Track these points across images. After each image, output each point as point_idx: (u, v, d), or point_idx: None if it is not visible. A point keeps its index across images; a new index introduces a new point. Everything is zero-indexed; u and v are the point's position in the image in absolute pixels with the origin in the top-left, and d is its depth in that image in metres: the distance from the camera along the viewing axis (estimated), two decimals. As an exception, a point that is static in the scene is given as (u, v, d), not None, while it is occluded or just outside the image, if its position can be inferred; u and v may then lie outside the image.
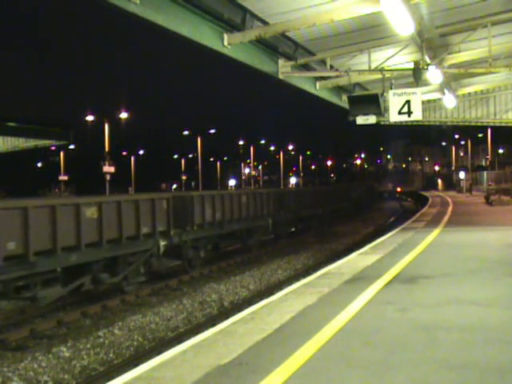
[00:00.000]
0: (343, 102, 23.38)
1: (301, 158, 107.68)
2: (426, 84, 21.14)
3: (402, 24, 12.44)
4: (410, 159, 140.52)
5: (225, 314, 12.73)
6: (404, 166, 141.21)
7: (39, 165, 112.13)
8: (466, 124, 31.74)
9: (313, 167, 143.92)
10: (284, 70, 17.14)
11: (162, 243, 15.64)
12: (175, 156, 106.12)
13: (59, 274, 12.33)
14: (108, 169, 37.74)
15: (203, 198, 18.24)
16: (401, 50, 17.28)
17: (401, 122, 24.18)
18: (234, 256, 21.25)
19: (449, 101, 24.90)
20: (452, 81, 24.38)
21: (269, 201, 23.75)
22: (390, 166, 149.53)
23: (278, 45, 15.76)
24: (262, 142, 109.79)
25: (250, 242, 22.06)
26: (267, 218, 23.31)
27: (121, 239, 13.97)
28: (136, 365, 7.06)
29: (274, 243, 24.74)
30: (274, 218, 23.98)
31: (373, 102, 16.18)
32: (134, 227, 14.56)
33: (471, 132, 77.29)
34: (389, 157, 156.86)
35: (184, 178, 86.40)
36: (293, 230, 29.28)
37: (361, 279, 9.85)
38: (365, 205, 50.71)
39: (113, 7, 9.85)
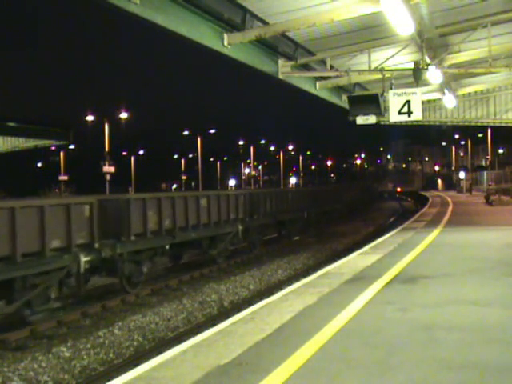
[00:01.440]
0: (343, 102, 23.37)
1: (301, 158, 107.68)
2: (426, 84, 21.14)
3: (402, 24, 12.44)
4: (410, 159, 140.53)
5: (225, 314, 12.72)
6: (404, 166, 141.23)
7: (39, 165, 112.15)
8: (466, 124, 31.75)
9: (313, 167, 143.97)
10: (284, 69, 17.14)
11: (85, 259, 12.55)
12: (175, 156, 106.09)
13: None
14: (108, 169, 37.73)
15: (144, 202, 15.15)
16: (401, 50, 17.28)
17: (401, 122, 24.19)
18: (234, 257, 21.24)
19: (449, 101, 24.90)
20: (452, 81, 24.38)
21: (238, 204, 20.71)
22: (390, 166, 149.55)
23: (278, 45, 15.76)
24: (262, 142, 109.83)
25: (213, 251, 19.06)
26: (236, 223, 20.36)
27: (14, 257, 10.89)
28: (136, 365, 7.06)
29: (248, 252, 21.92)
30: (245, 224, 20.98)
31: (373, 102, 16.18)
32: (37, 241, 11.48)
33: (471, 132, 77.28)
34: (389, 157, 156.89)
35: (184, 177, 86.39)
36: (275, 235, 26.89)
37: (361, 279, 9.84)
38: (360, 207, 48.31)
39: (113, 7, 9.85)
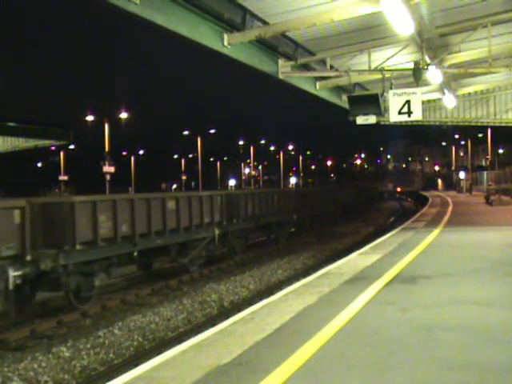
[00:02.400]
0: (343, 102, 23.38)
1: (301, 158, 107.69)
2: (426, 84, 21.14)
3: (402, 24, 12.45)
4: (410, 159, 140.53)
5: (225, 313, 12.72)
6: (404, 166, 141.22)
7: (39, 165, 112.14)
8: (466, 124, 31.75)
9: (313, 167, 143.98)
10: (284, 69, 17.14)
11: (14, 273, 11.09)
12: (175, 156, 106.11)
13: None
14: (108, 169, 37.74)
15: (94, 206, 13.33)
16: (401, 50, 17.29)
17: (401, 122, 24.20)
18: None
19: (449, 101, 24.90)
20: (452, 81, 24.38)
21: (213, 206, 18.79)
22: (390, 166, 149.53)
23: (278, 45, 15.76)
24: (262, 142, 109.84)
25: (184, 259, 17.36)
26: (212, 228, 18.60)
27: None
28: (136, 365, 7.06)
29: (228, 258, 20.35)
30: (222, 228, 19.24)
31: (373, 102, 16.18)
32: None
33: (471, 132, 77.28)
34: (389, 157, 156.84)
35: (184, 177, 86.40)
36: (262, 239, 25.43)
37: (361, 279, 9.84)
38: (357, 208, 45.65)
39: (113, 7, 9.85)
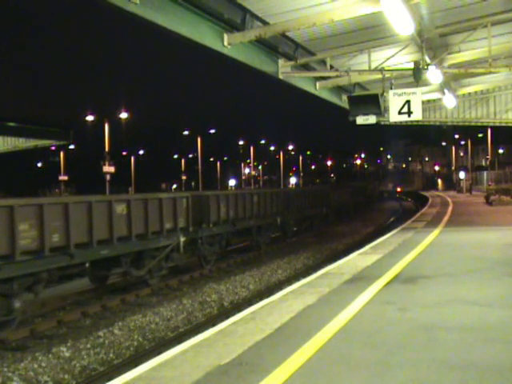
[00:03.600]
0: (343, 102, 23.39)
1: (301, 158, 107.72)
2: (426, 84, 21.15)
3: (402, 24, 12.46)
4: (410, 159, 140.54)
5: (225, 314, 12.73)
6: (404, 166, 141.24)
7: (39, 165, 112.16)
8: (466, 124, 31.76)
9: (313, 167, 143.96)
10: (284, 70, 17.15)
11: None
12: (175, 156, 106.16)
13: None
14: (108, 169, 37.74)
15: (12, 212, 10.98)
16: (401, 50, 17.29)
17: (401, 122, 24.24)
18: (234, 256, 21.24)
19: (449, 101, 24.92)
20: (452, 81, 24.38)
21: (176, 210, 16.35)
22: (390, 166, 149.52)
23: (278, 45, 15.76)
24: (262, 142, 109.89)
25: (140, 271, 15.07)
26: (176, 234, 16.28)
27: None
28: (136, 365, 7.06)
29: (200, 268, 18.21)
30: (189, 235, 17.06)
31: (373, 102, 16.20)
32: None
33: (471, 132, 77.32)
34: (389, 157, 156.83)
35: (184, 177, 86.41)
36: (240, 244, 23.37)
37: (361, 279, 9.85)
38: (352, 210, 42.71)
39: (112, 7, 9.85)
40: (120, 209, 14.14)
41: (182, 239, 16.60)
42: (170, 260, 16.42)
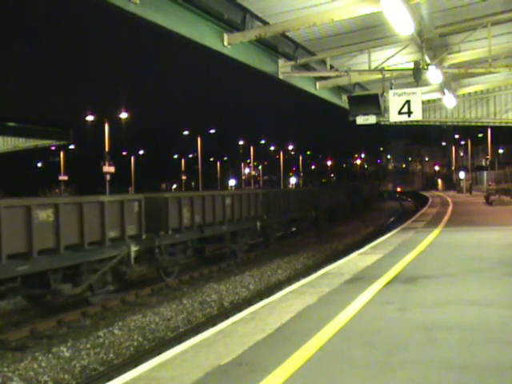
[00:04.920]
0: (343, 102, 23.39)
1: (301, 158, 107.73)
2: (426, 84, 21.15)
3: (402, 24, 12.46)
4: (410, 159, 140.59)
5: (225, 314, 12.73)
6: (404, 166, 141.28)
7: (39, 165, 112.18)
8: (466, 124, 31.77)
9: (313, 167, 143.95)
10: (284, 70, 17.14)
11: None
12: (175, 156, 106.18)
13: None
14: (108, 169, 37.73)
15: None
16: (401, 50, 17.29)
17: (401, 122, 24.23)
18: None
19: (449, 101, 24.91)
20: (452, 81, 24.39)
21: (123, 216, 14.10)
22: (390, 166, 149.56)
23: (278, 45, 15.76)
24: (262, 142, 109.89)
25: (75, 289, 12.68)
26: (125, 243, 14.13)
27: None
28: (136, 365, 7.06)
29: (160, 281, 16.21)
30: (142, 244, 14.87)
31: (373, 102, 16.20)
32: None
33: (471, 132, 77.36)
34: (389, 157, 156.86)
35: (184, 177, 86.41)
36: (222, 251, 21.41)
37: (361, 279, 9.84)
38: (347, 213, 40.32)
39: (112, 7, 9.85)
40: (44, 215, 11.85)
41: (134, 249, 14.43)
42: (118, 273, 14.21)
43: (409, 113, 15.52)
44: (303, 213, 28.88)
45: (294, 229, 28.89)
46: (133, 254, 14.38)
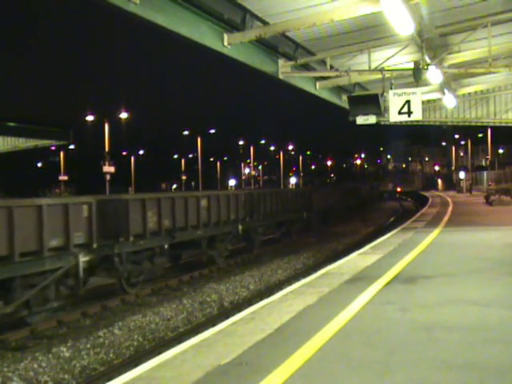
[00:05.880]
0: (343, 102, 23.38)
1: (301, 158, 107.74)
2: (426, 84, 21.14)
3: (402, 24, 12.45)
4: (410, 159, 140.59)
5: (225, 314, 12.73)
6: (404, 166, 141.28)
7: (39, 165, 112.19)
8: (466, 124, 31.76)
9: (313, 167, 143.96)
10: (284, 70, 17.14)
11: None
12: (175, 156, 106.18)
13: None
14: (108, 169, 37.76)
15: None
16: (401, 50, 17.29)
17: (401, 122, 24.24)
18: (235, 256, 21.21)
19: (449, 101, 24.90)
20: (452, 81, 24.39)
21: (68, 222, 12.29)
22: (390, 166, 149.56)
23: (278, 45, 15.76)
24: (262, 142, 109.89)
25: (7, 308, 11.04)
26: (69, 253, 12.29)
27: None
28: (136, 365, 7.06)
29: (122, 293, 14.66)
30: (95, 253, 13.14)
31: (373, 102, 16.20)
32: None
33: (471, 132, 77.34)
34: (389, 157, 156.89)
35: (184, 178, 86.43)
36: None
37: (361, 279, 9.84)
38: (342, 215, 38.58)
39: (112, 7, 9.85)
40: None
41: (84, 259, 12.64)
42: (64, 287, 12.51)
43: (409, 113, 15.51)
44: (293, 214, 27.16)
45: (279, 232, 26.45)
46: (82, 265, 12.55)
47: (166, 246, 16.29)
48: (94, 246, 13.13)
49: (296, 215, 27.52)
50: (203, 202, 18.41)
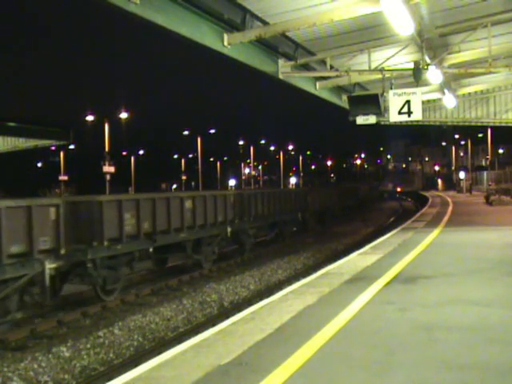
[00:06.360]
0: (343, 102, 23.38)
1: (301, 158, 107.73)
2: (426, 84, 21.14)
3: (402, 24, 12.45)
4: (410, 159, 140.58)
5: (225, 314, 12.73)
6: (404, 166, 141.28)
7: (39, 165, 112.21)
8: (466, 124, 31.74)
9: (313, 167, 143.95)
10: (284, 69, 17.14)
11: None
12: (175, 156, 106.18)
13: None
14: (108, 169, 37.76)
15: None
16: (401, 50, 17.29)
17: (401, 122, 24.21)
18: (234, 256, 21.21)
19: (449, 101, 24.90)
20: (452, 81, 24.39)
21: (31, 226, 11.32)
22: (390, 166, 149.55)
23: (278, 45, 15.76)
24: (262, 142, 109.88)
25: None
26: (33, 260, 11.34)
27: None
28: (136, 365, 7.06)
29: (97, 301, 13.81)
30: (64, 259, 12.18)
31: (373, 102, 16.20)
32: None
33: (471, 132, 77.30)
34: (389, 157, 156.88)
35: (184, 178, 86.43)
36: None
37: (361, 279, 9.84)
38: (340, 216, 37.64)
39: (112, 7, 9.85)
40: None
41: (51, 265, 11.71)
42: (28, 297, 11.68)
43: (409, 113, 15.52)
44: (287, 216, 26.13)
45: (273, 234, 25.73)
46: (48, 272, 11.63)
47: (150, 250, 15.71)
48: (62, 251, 12.09)
49: (290, 216, 26.60)
50: (188, 204, 17.39)
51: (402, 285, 9.14)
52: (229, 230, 19.76)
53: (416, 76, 15.97)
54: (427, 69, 16.74)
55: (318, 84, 21.15)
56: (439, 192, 75.14)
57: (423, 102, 18.42)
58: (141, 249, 15.32)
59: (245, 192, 23.60)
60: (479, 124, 30.88)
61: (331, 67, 18.36)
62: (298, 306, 7.82)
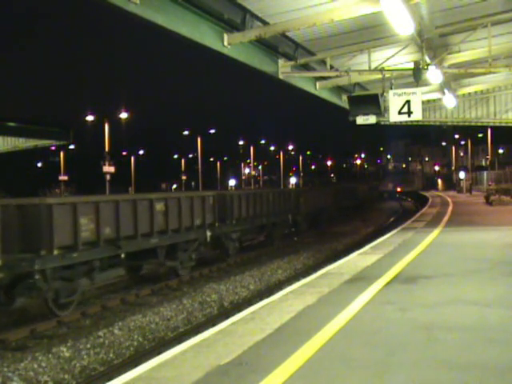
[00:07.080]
0: (343, 102, 23.37)
1: (301, 158, 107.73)
2: (426, 84, 21.14)
3: (402, 24, 12.45)
4: (410, 159, 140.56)
5: (225, 314, 12.73)
6: (404, 166, 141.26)
7: (39, 165, 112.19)
8: (466, 124, 31.74)
9: (313, 167, 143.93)
10: (284, 70, 17.14)
11: None
12: (175, 156, 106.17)
13: None
14: (108, 169, 37.74)
15: None
16: (401, 50, 17.29)
17: (401, 122, 24.20)
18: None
19: (449, 101, 24.90)
20: (452, 81, 24.38)
21: None
22: (390, 166, 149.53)
23: (278, 45, 15.76)
24: (262, 142, 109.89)
25: None
26: None
27: None
28: (136, 365, 7.06)
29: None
30: (5, 270, 11.13)
31: (373, 102, 16.20)
32: None
33: (471, 132, 77.28)
34: (389, 157, 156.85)
35: (184, 178, 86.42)
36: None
37: (361, 279, 9.85)
38: (335, 217, 36.32)
39: (112, 7, 9.85)
40: None
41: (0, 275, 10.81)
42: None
43: (409, 113, 15.52)
44: (277, 218, 24.77)
45: (262, 236, 24.82)
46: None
47: (122, 256, 14.20)
48: (17, 261, 11.01)
49: (279, 218, 25.16)
50: (158, 206, 15.74)
51: (402, 285, 9.14)
52: (208, 234, 18.22)
53: (416, 76, 15.97)
54: (427, 69, 16.74)
55: (317, 84, 21.14)
56: (439, 192, 75.13)
57: (423, 102, 18.41)
58: (102, 257, 13.54)
59: (227, 193, 22.21)
60: (479, 124, 30.88)
61: (331, 67, 18.36)
62: (298, 306, 7.82)
